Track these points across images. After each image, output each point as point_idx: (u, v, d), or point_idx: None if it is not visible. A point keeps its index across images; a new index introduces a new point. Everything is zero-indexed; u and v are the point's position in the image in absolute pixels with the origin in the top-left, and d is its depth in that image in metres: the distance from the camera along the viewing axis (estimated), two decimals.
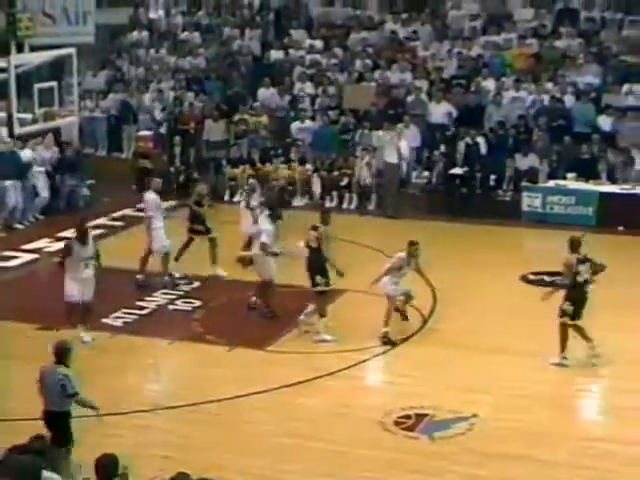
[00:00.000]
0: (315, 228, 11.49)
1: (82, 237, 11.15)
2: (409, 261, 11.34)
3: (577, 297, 10.45)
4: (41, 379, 7.97)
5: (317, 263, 11.34)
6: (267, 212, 12.23)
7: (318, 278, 11.26)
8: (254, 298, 12.16)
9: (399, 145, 16.65)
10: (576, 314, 10.42)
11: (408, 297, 11.67)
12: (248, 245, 13.07)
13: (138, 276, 13.12)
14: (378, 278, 11.28)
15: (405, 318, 11.73)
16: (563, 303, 10.44)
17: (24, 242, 15.18)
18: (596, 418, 9.98)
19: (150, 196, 13.37)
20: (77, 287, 11.03)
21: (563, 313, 10.41)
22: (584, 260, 10.50)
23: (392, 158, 16.66)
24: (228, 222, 14.19)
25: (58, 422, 7.85)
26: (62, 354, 7.96)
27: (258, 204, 13.22)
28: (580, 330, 10.46)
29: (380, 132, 17.77)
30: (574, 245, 10.60)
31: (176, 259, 13.34)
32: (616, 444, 8.84)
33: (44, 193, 16.68)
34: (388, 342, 11.15)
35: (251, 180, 14.46)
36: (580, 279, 10.40)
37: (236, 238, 13.56)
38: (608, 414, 9.85)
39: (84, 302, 11.11)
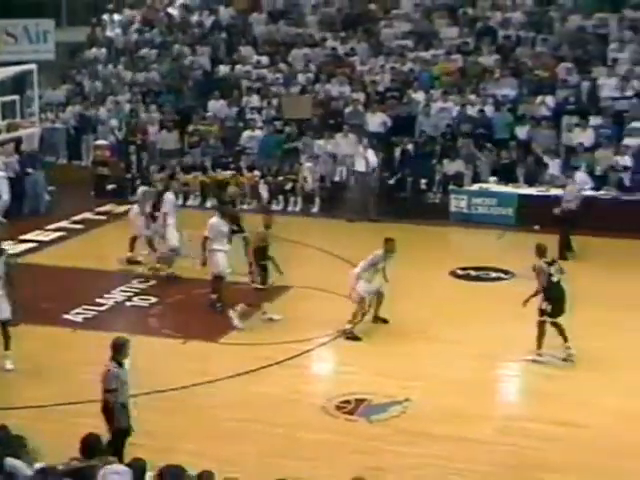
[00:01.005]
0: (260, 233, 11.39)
1: None
2: (385, 257, 11.14)
3: (555, 296, 10.33)
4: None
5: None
6: (232, 228, 12.05)
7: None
8: (213, 296, 12.01)
9: (366, 155, 16.55)
10: (556, 312, 10.29)
11: (380, 295, 11.36)
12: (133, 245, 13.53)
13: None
14: (355, 280, 11.04)
15: (383, 321, 11.38)
16: (542, 303, 10.28)
17: None
18: (517, 400, 10.14)
19: (169, 196, 13.36)
20: None
21: (542, 312, 10.32)
22: (552, 262, 10.51)
23: (361, 167, 16.54)
24: (180, 224, 14.07)
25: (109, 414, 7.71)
26: (115, 349, 7.78)
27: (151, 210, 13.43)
28: (559, 328, 10.35)
29: (321, 141, 17.80)
30: (541, 251, 10.52)
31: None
32: (535, 423, 8.98)
33: (5, 197, 16.36)
34: (353, 338, 11.00)
35: (146, 188, 14.07)
36: (554, 279, 10.31)
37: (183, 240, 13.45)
38: (528, 396, 10.02)
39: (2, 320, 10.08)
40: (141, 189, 14.19)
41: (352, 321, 11.09)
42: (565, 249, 13.80)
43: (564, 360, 10.28)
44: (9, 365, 10.11)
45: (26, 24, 19.23)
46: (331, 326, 11.30)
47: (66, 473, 5.73)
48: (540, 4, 20.37)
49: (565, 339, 10.34)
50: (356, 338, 11.05)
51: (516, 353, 10.78)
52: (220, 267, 11.88)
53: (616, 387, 9.66)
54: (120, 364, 7.72)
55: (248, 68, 20.37)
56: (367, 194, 16.55)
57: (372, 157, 16.64)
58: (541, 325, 10.35)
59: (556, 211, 14.25)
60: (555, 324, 10.33)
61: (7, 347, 10.16)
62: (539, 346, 10.39)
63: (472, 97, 18.24)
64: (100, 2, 24.18)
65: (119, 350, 7.74)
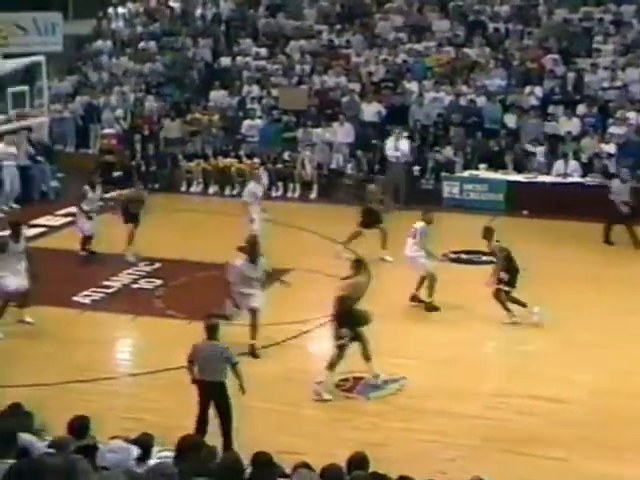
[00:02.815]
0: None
1: (15, 234, 10.62)
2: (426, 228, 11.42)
3: (512, 267, 10.80)
4: (197, 354, 7.89)
5: None
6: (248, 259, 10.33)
7: None
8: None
9: (398, 145, 16.34)
10: (512, 283, 10.76)
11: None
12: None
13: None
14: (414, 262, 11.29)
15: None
16: (499, 273, 10.75)
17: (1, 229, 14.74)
18: (504, 377, 10.08)
19: (250, 186, 13.23)
20: (13, 279, 10.43)
21: (500, 281, 10.67)
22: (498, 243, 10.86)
23: (393, 157, 16.34)
24: (183, 210, 14.00)
25: (222, 391, 7.83)
26: (214, 330, 7.94)
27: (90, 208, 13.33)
28: (513, 296, 10.76)
29: (318, 129, 17.67)
30: (488, 233, 10.92)
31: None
32: (521, 398, 8.96)
33: (15, 185, 16.22)
34: (432, 308, 11.22)
35: (86, 186, 13.61)
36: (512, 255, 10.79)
37: (187, 224, 13.35)
38: (514, 373, 9.95)
39: (22, 290, 10.53)
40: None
41: (430, 294, 11.29)
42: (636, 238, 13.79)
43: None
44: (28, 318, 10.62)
45: (35, 17, 19.03)
46: (329, 308, 11.20)
47: (77, 449, 5.65)
48: None
49: (523, 305, 10.63)
50: (434, 308, 11.21)
51: (503, 332, 10.73)
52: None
53: (592, 364, 9.66)
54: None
55: (248, 59, 20.21)
56: (398, 183, 16.30)
57: (404, 147, 16.41)
58: (498, 293, 10.71)
59: (625, 210, 13.93)
60: (508, 292, 10.64)
61: (24, 307, 10.65)
62: (507, 309, 10.73)
63: (463, 87, 18.11)
64: None
65: (217, 331, 8.01)
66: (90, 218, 13.28)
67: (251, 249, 10.26)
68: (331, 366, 9.13)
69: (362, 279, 9.34)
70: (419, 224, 11.45)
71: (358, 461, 5.49)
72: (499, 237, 12.24)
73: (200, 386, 7.94)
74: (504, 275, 10.75)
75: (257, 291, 10.24)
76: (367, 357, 9.28)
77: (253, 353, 10.02)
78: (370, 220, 13.20)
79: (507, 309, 10.76)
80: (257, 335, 10.13)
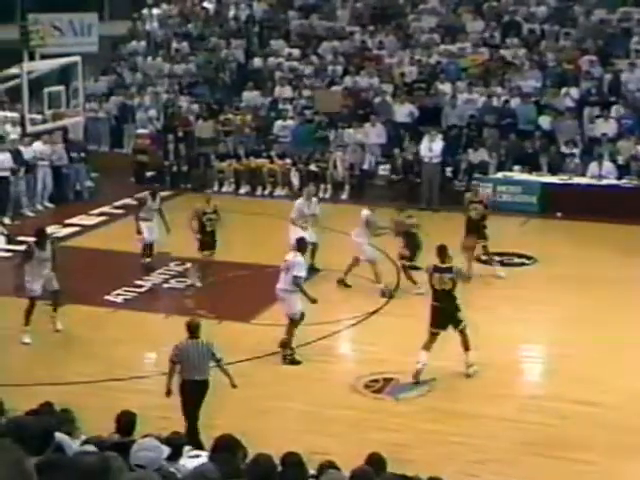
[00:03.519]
0: None
1: (41, 242, 10.61)
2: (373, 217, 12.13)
3: (413, 244, 11.64)
4: (180, 353, 7.94)
5: None
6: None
7: None
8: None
9: (431, 146, 16.30)
10: (412, 258, 11.61)
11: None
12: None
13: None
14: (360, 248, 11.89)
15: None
16: (402, 249, 11.69)
17: (35, 228, 14.92)
18: (537, 379, 10.03)
19: (298, 201, 12.76)
20: (39, 284, 10.45)
21: (402, 257, 11.73)
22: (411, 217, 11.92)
23: (427, 158, 16.28)
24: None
25: (205, 389, 7.91)
26: (197, 328, 8.00)
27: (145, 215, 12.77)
28: (409, 271, 11.58)
29: (350, 130, 17.69)
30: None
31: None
32: (554, 401, 8.89)
33: (48, 184, 16.45)
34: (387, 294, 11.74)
35: (146, 194, 13.10)
36: (414, 230, 11.73)
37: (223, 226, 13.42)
38: (547, 375, 9.92)
39: (53, 291, 10.60)
40: None
41: (379, 280, 11.76)
42: None
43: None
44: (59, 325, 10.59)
45: (71, 18, 19.25)
46: (360, 308, 11.25)
47: (111, 446, 5.72)
48: None
49: (414, 282, 11.30)
50: (388, 294, 11.70)
51: (537, 335, 10.64)
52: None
53: (628, 367, 9.54)
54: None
55: (280, 60, 20.28)
56: (431, 183, 16.25)
57: (437, 147, 16.34)
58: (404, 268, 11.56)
59: None
60: (411, 267, 11.39)
61: (57, 307, 10.61)
62: (414, 281, 11.42)
63: (497, 89, 18.00)
64: None
65: (199, 329, 8.06)
66: (140, 233, 12.70)
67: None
68: None
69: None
70: (364, 212, 12.03)
71: (375, 462, 5.48)
72: (533, 239, 12.21)
73: (190, 386, 7.92)
74: (405, 251, 11.70)
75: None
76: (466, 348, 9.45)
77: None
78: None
79: (413, 282, 11.48)
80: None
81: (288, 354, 9.89)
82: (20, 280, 10.47)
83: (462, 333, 9.41)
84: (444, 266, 9.45)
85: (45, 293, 10.57)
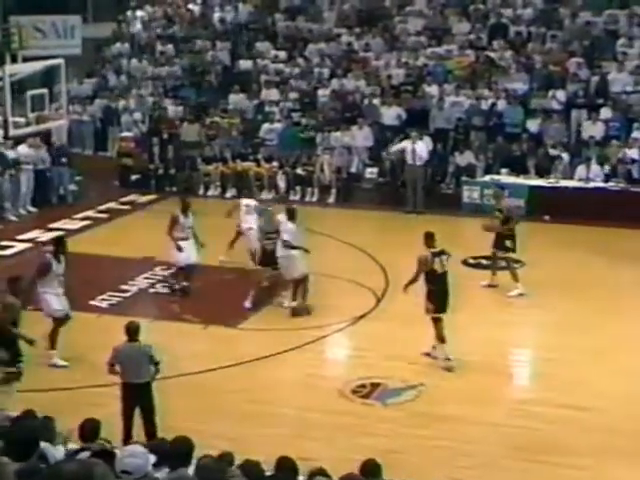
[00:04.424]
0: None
1: (59, 255, 10.02)
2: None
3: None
4: (118, 356, 7.93)
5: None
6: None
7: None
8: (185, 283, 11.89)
9: (415, 149, 16.33)
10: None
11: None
12: None
13: None
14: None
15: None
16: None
17: (18, 232, 14.87)
18: (525, 383, 10.07)
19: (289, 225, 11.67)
20: (60, 301, 10.00)
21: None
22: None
23: (411, 160, 16.31)
24: (200, 213, 14.02)
25: (146, 392, 7.89)
26: (136, 331, 7.99)
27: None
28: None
29: (338, 133, 17.72)
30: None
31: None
32: (542, 406, 8.92)
33: (29, 187, 16.34)
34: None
35: (177, 212, 11.99)
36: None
37: (203, 228, 13.37)
38: (535, 380, 9.95)
39: (67, 315, 10.08)
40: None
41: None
42: None
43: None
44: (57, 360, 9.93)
45: (54, 20, 19.23)
46: (347, 313, 11.25)
47: (95, 453, 5.70)
48: (550, 2, 20.15)
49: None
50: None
51: (525, 339, 10.70)
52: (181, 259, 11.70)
53: (616, 371, 9.60)
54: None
55: (267, 63, 20.30)
56: (415, 186, 16.26)
57: (421, 150, 16.41)
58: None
59: None
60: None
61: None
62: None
63: (484, 91, 18.09)
64: None
65: (138, 332, 8.06)
66: (180, 249, 11.71)
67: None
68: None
69: None
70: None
71: (371, 468, 5.50)
72: (520, 242, 12.25)
73: (126, 389, 7.95)
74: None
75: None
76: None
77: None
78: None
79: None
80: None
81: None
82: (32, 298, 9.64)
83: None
84: (437, 250, 9.78)
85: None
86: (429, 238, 9.83)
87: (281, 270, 11.36)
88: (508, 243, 11.97)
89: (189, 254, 11.83)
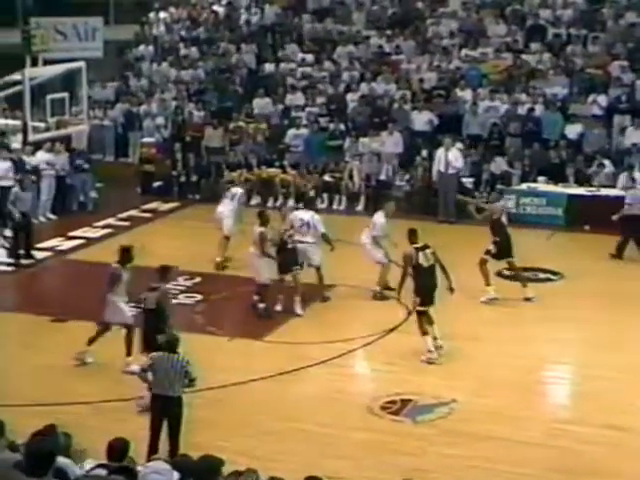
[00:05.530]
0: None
1: (125, 264, 10.31)
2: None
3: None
4: (154, 365, 8.02)
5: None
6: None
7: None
8: (255, 297, 11.98)
9: (448, 156, 16.35)
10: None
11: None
12: None
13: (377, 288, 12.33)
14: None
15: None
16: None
17: (38, 241, 15.05)
18: (564, 402, 10.01)
19: (380, 219, 12.55)
20: (128, 309, 10.30)
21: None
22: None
23: (442, 168, 16.35)
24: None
25: (177, 406, 7.96)
26: (175, 344, 8.09)
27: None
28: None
29: (366, 139, 17.78)
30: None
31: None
32: (582, 426, 8.86)
33: (50, 194, 16.58)
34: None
35: (262, 229, 11.99)
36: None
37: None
38: (574, 398, 9.89)
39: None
40: None
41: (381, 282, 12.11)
42: (622, 250, 13.77)
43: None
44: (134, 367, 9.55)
45: (75, 22, 19.48)
46: (376, 325, 11.28)
47: (117, 469, 5.77)
48: (592, 2, 20.08)
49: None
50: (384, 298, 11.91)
51: (564, 355, 10.64)
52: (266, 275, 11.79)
53: None
54: None
55: (293, 66, 20.43)
56: (447, 195, 16.27)
57: (454, 158, 16.41)
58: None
59: (614, 218, 13.97)
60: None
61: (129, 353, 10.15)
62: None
63: (520, 96, 18.06)
64: (148, 0, 24.46)
65: (177, 345, 8.19)
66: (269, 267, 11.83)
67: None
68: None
69: None
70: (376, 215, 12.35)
71: None
72: (559, 253, 12.21)
73: (156, 401, 8.01)
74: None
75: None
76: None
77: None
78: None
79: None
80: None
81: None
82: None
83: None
84: (420, 245, 10.42)
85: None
86: (412, 234, 10.51)
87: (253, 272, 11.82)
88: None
89: (271, 269, 11.90)
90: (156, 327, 9.28)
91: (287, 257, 11.75)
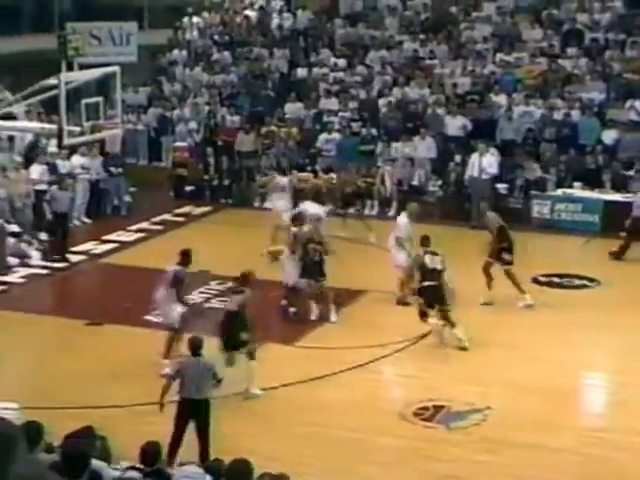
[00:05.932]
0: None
1: (187, 264, 10.46)
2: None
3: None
4: (182, 370, 8.21)
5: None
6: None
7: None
8: (284, 301, 12.12)
9: (482, 161, 16.38)
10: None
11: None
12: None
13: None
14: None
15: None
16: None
17: (72, 244, 15.28)
18: (601, 409, 9.96)
19: (403, 220, 12.70)
20: (180, 312, 10.34)
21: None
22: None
23: (475, 173, 16.40)
24: (256, 226, 14.30)
25: (206, 409, 8.10)
26: (200, 346, 8.29)
27: None
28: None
29: (399, 144, 17.80)
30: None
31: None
32: (620, 434, 8.83)
33: (85, 197, 16.81)
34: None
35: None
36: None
37: (259, 241, 13.65)
38: (612, 405, 9.83)
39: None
40: None
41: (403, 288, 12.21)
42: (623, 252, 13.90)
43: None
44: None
45: (110, 27, 19.74)
46: (408, 331, 11.30)
47: (148, 473, 5.87)
48: (631, 6, 19.92)
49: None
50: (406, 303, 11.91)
51: (599, 362, 10.59)
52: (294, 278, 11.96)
53: None
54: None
55: (325, 71, 20.52)
56: (479, 201, 16.11)
57: (488, 164, 16.39)
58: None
59: (627, 223, 14.13)
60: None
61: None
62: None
63: (556, 101, 17.97)
64: (181, 5, 24.71)
65: (202, 348, 8.31)
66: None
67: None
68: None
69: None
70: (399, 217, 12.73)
71: None
72: (595, 260, 12.16)
73: (183, 405, 8.11)
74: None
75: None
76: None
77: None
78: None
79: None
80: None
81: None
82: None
83: (443, 315, 10.75)
84: (430, 249, 11.13)
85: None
86: (425, 239, 11.32)
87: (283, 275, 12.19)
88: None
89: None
90: (236, 328, 9.65)
91: (313, 267, 11.80)
